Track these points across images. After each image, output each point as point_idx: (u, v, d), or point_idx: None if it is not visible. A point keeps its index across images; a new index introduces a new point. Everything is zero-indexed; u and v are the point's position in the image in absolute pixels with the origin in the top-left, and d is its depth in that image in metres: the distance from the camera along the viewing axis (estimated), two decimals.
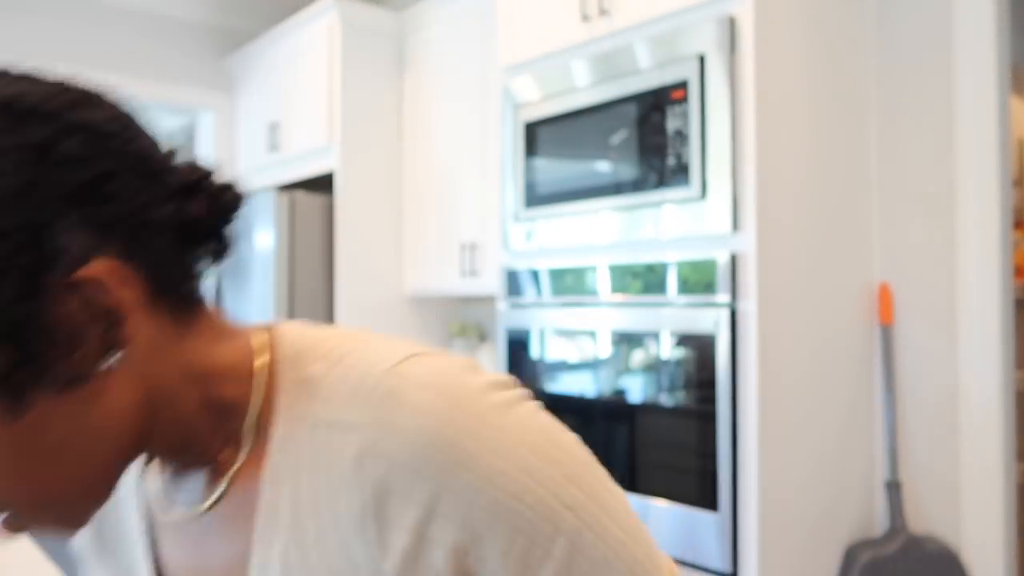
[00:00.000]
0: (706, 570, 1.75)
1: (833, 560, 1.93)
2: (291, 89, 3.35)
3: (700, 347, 1.76)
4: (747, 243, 1.72)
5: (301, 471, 0.49)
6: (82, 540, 0.61)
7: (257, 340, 0.53)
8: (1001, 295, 1.91)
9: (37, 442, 0.43)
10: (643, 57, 1.90)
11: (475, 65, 2.84)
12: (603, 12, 2.02)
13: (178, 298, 0.49)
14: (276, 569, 0.49)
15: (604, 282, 1.98)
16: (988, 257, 1.92)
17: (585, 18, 2.06)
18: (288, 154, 3.34)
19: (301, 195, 2.97)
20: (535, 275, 2.17)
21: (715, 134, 1.75)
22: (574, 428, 2.05)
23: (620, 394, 1.93)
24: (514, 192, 2.23)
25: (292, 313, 2.93)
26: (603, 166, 1.98)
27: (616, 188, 1.95)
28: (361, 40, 3.10)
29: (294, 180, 3.37)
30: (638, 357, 1.89)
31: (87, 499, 0.48)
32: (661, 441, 1.85)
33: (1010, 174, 1.97)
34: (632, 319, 1.91)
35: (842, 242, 1.99)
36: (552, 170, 2.12)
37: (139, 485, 0.58)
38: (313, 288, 2.99)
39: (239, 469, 0.52)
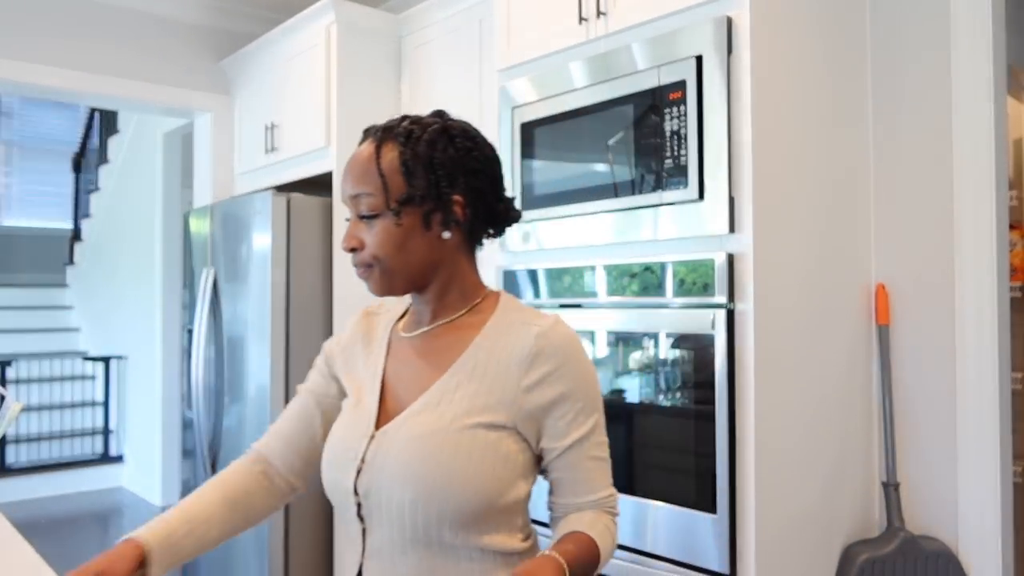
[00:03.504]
0: (705, 571, 1.75)
1: (831, 560, 1.93)
2: (289, 91, 3.34)
3: (697, 348, 1.76)
4: (744, 244, 1.72)
5: (499, 337, 1.04)
6: (343, 358, 1.19)
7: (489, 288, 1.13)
8: (998, 296, 1.91)
9: (404, 240, 1.02)
10: (640, 58, 1.90)
11: (472, 66, 2.84)
12: (600, 13, 2.02)
13: (474, 241, 1.10)
14: (468, 370, 1.03)
15: (601, 283, 1.98)
16: (985, 258, 1.92)
17: (582, 19, 2.06)
18: (286, 155, 3.34)
19: (299, 196, 2.97)
20: (533, 276, 2.17)
21: (712, 135, 1.76)
22: None
23: (618, 395, 1.93)
24: (511, 193, 2.23)
25: (289, 313, 2.93)
26: (600, 167, 1.98)
27: (613, 189, 1.95)
28: (358, 42, 3.10)
29: (292, 181, 3.37)
30: (635, 358, 1.89)
31: (401, 279, 1.05)
32: (659, 442, 1.85)
33: (1007, 175, 1.97)
34: (629, 320, 1.91)
35: (839, 243, 2.00)
36: (549, 171, 2.12)
37: (389, 330, 1.15)
38: (311, 289, 2.99)
39: (461, 330, 1.07)
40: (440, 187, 1.03)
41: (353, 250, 1.05)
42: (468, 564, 1.01)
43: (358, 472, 1.02)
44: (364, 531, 1.04)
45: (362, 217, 1.04)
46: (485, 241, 1.13)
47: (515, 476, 1.02)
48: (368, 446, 1.03)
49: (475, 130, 1.10)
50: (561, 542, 0.99)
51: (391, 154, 1.03)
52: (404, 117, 1.07)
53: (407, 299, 1.18)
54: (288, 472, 1.18)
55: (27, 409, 5.82)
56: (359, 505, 1.03)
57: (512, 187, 2.23)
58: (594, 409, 1.05)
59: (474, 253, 1.12)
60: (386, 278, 1.05)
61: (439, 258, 1.06)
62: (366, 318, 1.20)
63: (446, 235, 1.04)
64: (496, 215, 1.10)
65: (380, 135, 1.05)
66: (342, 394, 1.18)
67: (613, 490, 1.08)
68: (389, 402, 1.08)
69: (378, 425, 1.05)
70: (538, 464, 1.07)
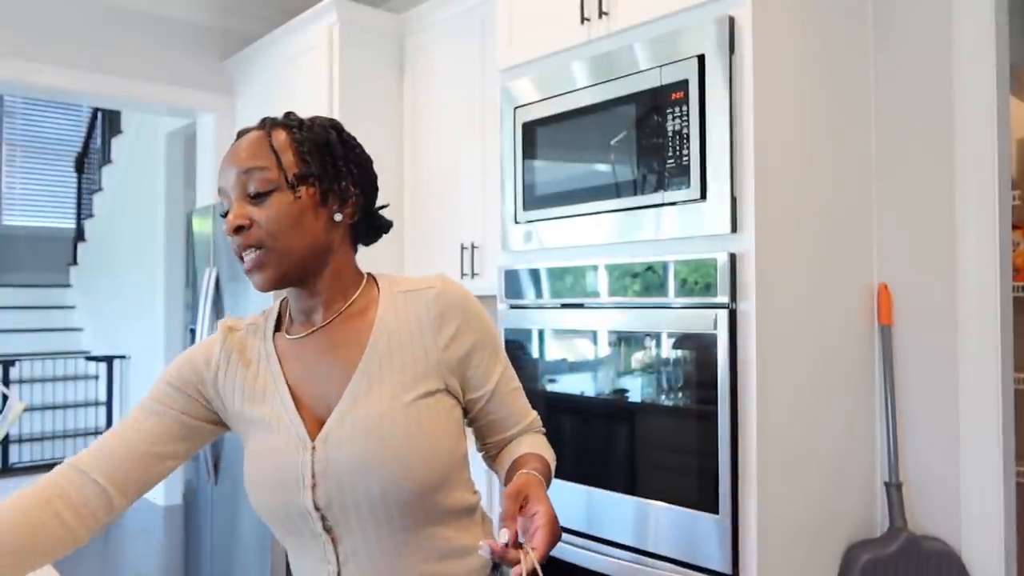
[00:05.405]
0: (706, 571, 1.75)
1: (833, 560, 1.93)
2: (291, 91, 3.35)
3: (700, 348, 1.76)
4: (746, 244, 1.72)
5: (398, 311, 1.06)
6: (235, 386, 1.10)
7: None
8: (1000, 295, 1.91)
9: (299, 217, 1.01)
10: (642, 58, 1.90)
11: (474, 66, 2.84)
12: (602, 13, 2.02)
13: (356, 237, 1.12)
14: (383, 349, 1.04)
15: (603, 283, 1.98)
16: (987, 257, 1.92)
17: (584, 19, 2.06)
18: None
19: None
20: (535, 275, 2.17)
21: (714, 135, 1.76)
22: (573, 428, 2.05)
23: (620, 395, 1.93)
24: (513, 193, 2.23)
25: None
26: (602, 167, 1.98)
27: (615, 189, 1.95)
28: (360, 42, 3.10)
29: None
30: (637, 358, 1.89)
31: (293, 263, 1.01)
32: (661, 442, 1.85)
33: (1009, 175, 1.97)
34: (631, 320, 1.91)
35: (841, 242, 1.99)
36: (551, 171, 2.12)
37: (270, 340, 1.10)
38: None
39: (356, 316, 1.07)
40: (337, 167, 1.04)
41: (239, 229, 0.99)
42: (444, 531, 1.04)
43: (312, 488, 0.99)
44: (333, 540, 1.02)
45: (253, 197, 0.99)
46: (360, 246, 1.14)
47: (458, 432, 1.07)
48: (313, 459, 0.99)
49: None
50: (525, 462, 1.06)
51: (282, 136, 1.03)
52: (288, 113, 1.09)
53: (272, 313, 1.13)
54: (118, 493, 1.03)
55: (30, 409, 5.84)
56: (323, 518, 1.00)
57: (514, 188, 2.23)
58: (499, 347, 1.13)
59: (355, 249, 1.12)
60: (278, 263, 1.00)
61: (329, 243, 1.05)
62: (231, 335, 1.12)
63: (338, 217, 1.04)
64: (374, 218, 1.13)
65: (268, 123, 1.05)
66: (206, 418, 1.09)
67: (534, 412, 1.19)
68: (308, 408, 1.04)
69: (311, 435, 1.01)
70: (464, 417, 1.12)
